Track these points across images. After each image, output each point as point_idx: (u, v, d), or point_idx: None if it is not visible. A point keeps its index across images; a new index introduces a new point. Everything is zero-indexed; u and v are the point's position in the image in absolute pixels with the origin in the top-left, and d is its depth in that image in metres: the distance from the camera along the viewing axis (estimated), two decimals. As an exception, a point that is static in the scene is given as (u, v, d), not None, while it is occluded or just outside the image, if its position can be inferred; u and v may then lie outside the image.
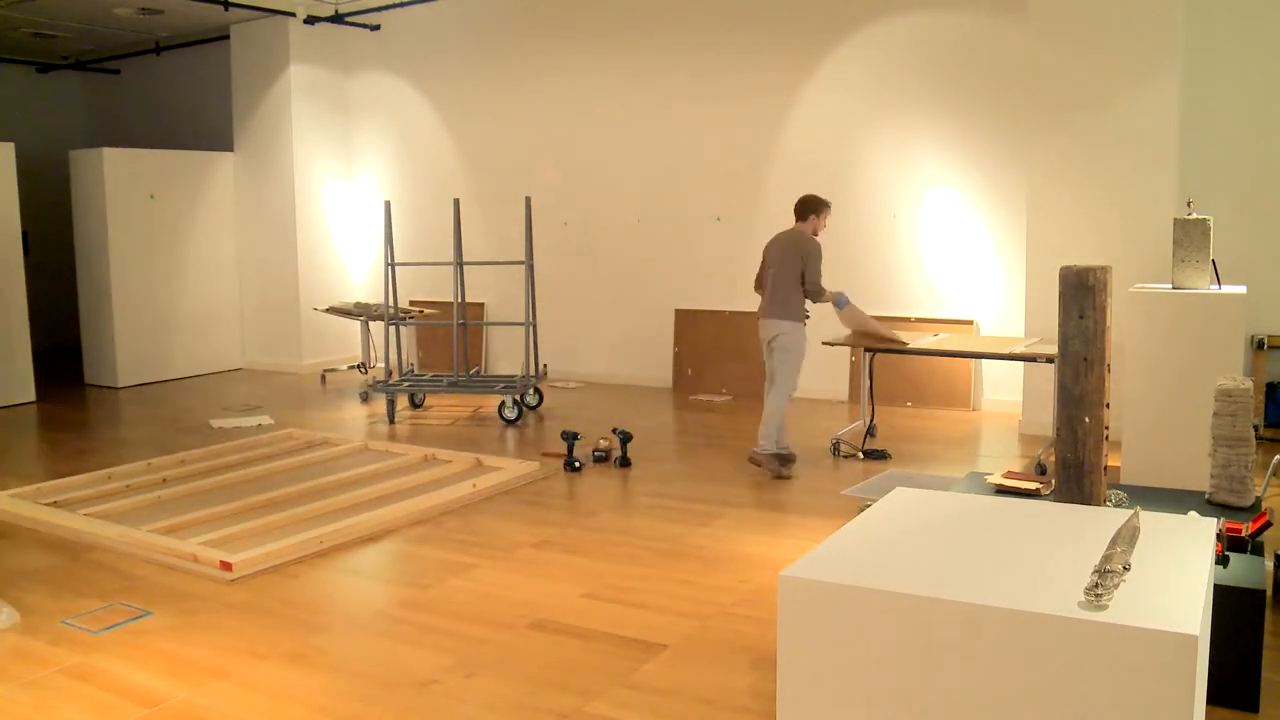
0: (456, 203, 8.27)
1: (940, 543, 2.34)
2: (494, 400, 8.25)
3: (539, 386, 8.40)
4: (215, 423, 8.03)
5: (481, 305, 10.28)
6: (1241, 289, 5.54)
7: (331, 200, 10.85)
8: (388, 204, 8.46)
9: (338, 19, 10.34)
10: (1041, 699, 1.92)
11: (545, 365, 8.83)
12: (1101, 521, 2.48)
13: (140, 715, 3.33)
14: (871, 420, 6.94)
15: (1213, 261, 5.57)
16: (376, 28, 10.60)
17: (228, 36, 10.80)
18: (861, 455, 6.55)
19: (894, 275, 8.21)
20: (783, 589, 2.17)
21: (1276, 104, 6.94)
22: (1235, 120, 7.04)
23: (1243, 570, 3.33)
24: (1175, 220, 5.62)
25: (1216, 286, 5.58)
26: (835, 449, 6.67)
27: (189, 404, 9.06)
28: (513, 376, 8.32)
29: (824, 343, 7.28)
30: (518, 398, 7.82)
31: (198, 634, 3.98)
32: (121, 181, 9.92)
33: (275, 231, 10.67)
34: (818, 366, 8.06)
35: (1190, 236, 5.50)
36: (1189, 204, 5.87)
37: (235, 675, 3.60)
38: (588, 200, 9.60)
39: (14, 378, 9.03)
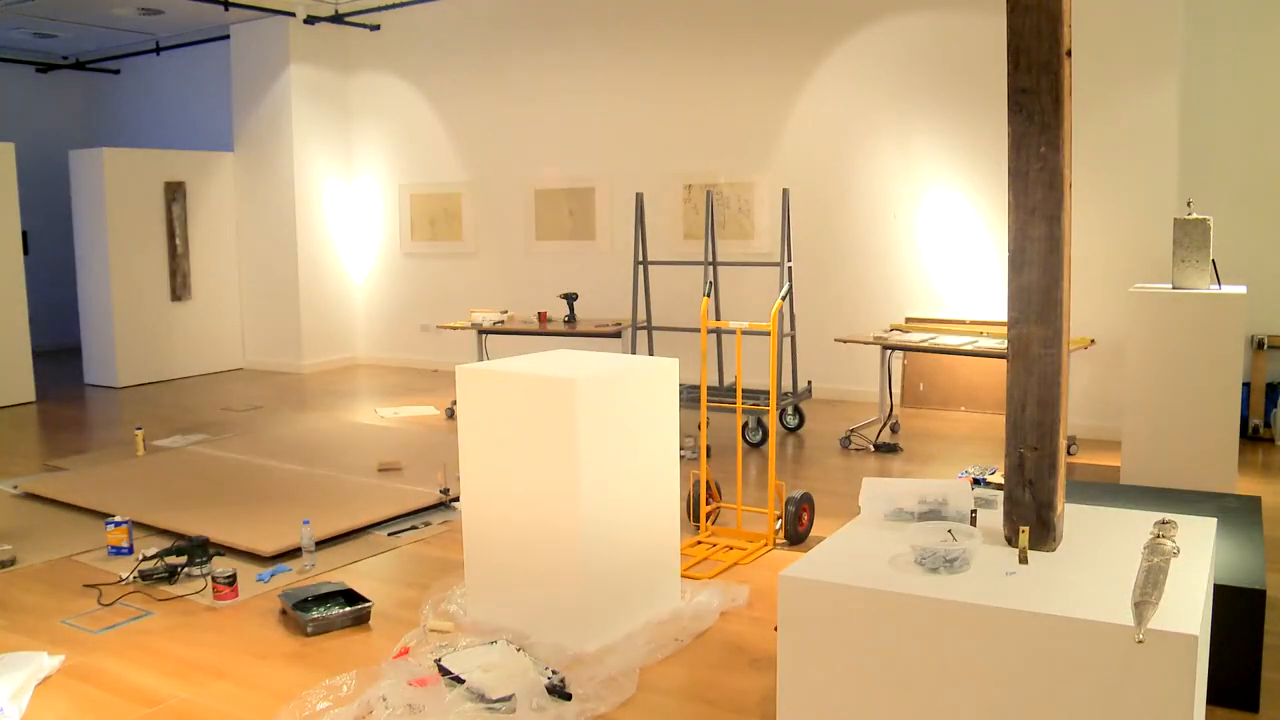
0: (709, 195, 7.38)
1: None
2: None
3: (800, 405, 7.43)
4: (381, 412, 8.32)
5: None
6: (1241, 289, 5.54)
7: (331, 200, 10.85)
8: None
9: (338, 19, 10.34)
10: (1041, 698, 1.92)
11: (810, 382, 7.63)
12: (1098, 520, 2.48)
13: (140, 715, 3.32)
14: (891, 414, 7.00)
15: (1213, 261, 5.57)
16: (376, 28, 10.60)
17: (228, 36, 10.80)
18: (873, 448, 6.63)
19: (894, 276, 8.20)
20: (783, 589, 2.17)
21: (1276, 104, 6.94)
22: (1235, 120, 7.04)
23: (1243, 570, 3.33)
24: (1175, 220, 5.62)
25: (1216, 286, 5.58)
26: (846, 441, 6.81)
27: (189, 404, 9.06)
28: (764, 393, 7.25)
29: (837, 339, 7.29)
30: (762, 419, 6.91)
31: (197, 634, 3.97)
32: (121, 181, 9.92)
33: (275, 231, 10.67)
34: (849, 364, 8.06)
35: (1190, 236, 5.50)
36: (1189, 204, 5.87)
37: (235, 675, 3.60)
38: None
39: (14, 377, 9.03)
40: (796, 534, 4.82)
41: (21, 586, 4.52)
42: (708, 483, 5.08)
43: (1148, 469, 5.39)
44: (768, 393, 7.30)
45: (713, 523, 5.10)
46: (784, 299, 6.01)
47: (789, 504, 4.84)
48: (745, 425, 6.96)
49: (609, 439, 3.74)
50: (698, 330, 7.62)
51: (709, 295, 5.30)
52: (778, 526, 4.91)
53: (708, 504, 5.07)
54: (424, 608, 4.11)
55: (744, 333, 5.24)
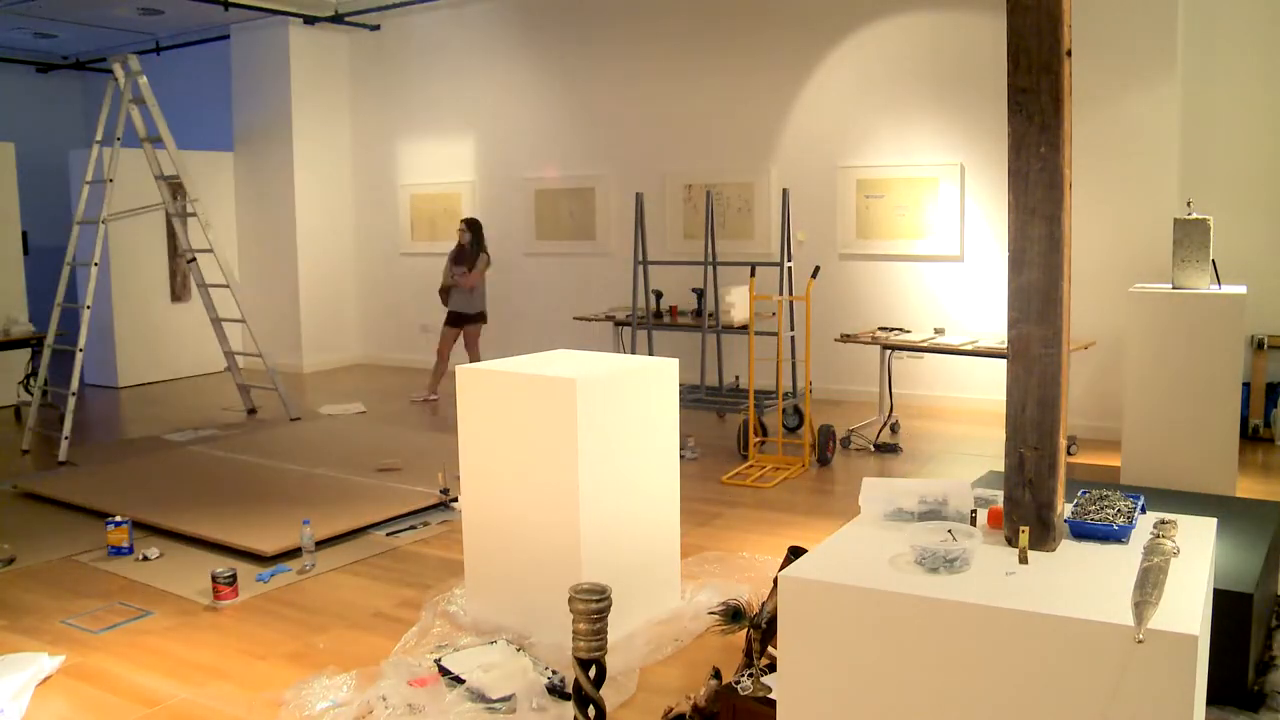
0: (709, 195, 7.51)
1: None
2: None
3: (799, 405, 7.10)
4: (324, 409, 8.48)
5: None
6: (1241, 289, 5.53)
7: (331, 200, 10.85)
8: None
9: (338, 19, 10.34)
10: (1041, 698, 1.92)
11: (810, 382, 7.23)
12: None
13: (140, 715, 3.33)
14: (890, 414, 7.01)
15: (1213, 261, 5.56)
16: (377, 28, 10.60)
17: (228, 36, 10.80)
18: (873, 448, 6.67)
19: (894, 276, 8.20)
20: (783, 589, 2.17)
21: (1276, 104, 6.94)
22: (1235, 120, 7.04)
23: (1238, 572, 3.33)
24: (1175, 220, 5.61)
25: (1216, 286, 5.58)
26: (846, 442, 6.86)
27: (189, 404, 9.06)
28: (766, 393, 7.09)
29: (837, 339, 7.28)
30: (763, 420, 6.85)
31: (197, 634, 3.98)
32: (121, 182, 9.89)
33: (275, 231, 10.66)
34: (849, 364, 8.06)
35: (1190, 236, 5.50)
36: (1189, 204, 5.87)
37: (235, 675, 3.60)
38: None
39: (14, 377, 9.03)
40: (825, 457, 6.38)
41: (22, 586, 4.53)
42: (758, 422, 6.55)
43: (1148, 469, 5.39)
44: (773, 393, 7.31)
45: (760, 452, 6.45)
46: (814, 278, 6.60)
47: (820, 432, 6.39)
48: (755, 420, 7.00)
49: (609, 439, 3.74)
50: (698, 330, 7.62)
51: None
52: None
53: (756, 435, 6.46)
54: (424, 608, 4.12)
55: (788, 298, 6.72)
